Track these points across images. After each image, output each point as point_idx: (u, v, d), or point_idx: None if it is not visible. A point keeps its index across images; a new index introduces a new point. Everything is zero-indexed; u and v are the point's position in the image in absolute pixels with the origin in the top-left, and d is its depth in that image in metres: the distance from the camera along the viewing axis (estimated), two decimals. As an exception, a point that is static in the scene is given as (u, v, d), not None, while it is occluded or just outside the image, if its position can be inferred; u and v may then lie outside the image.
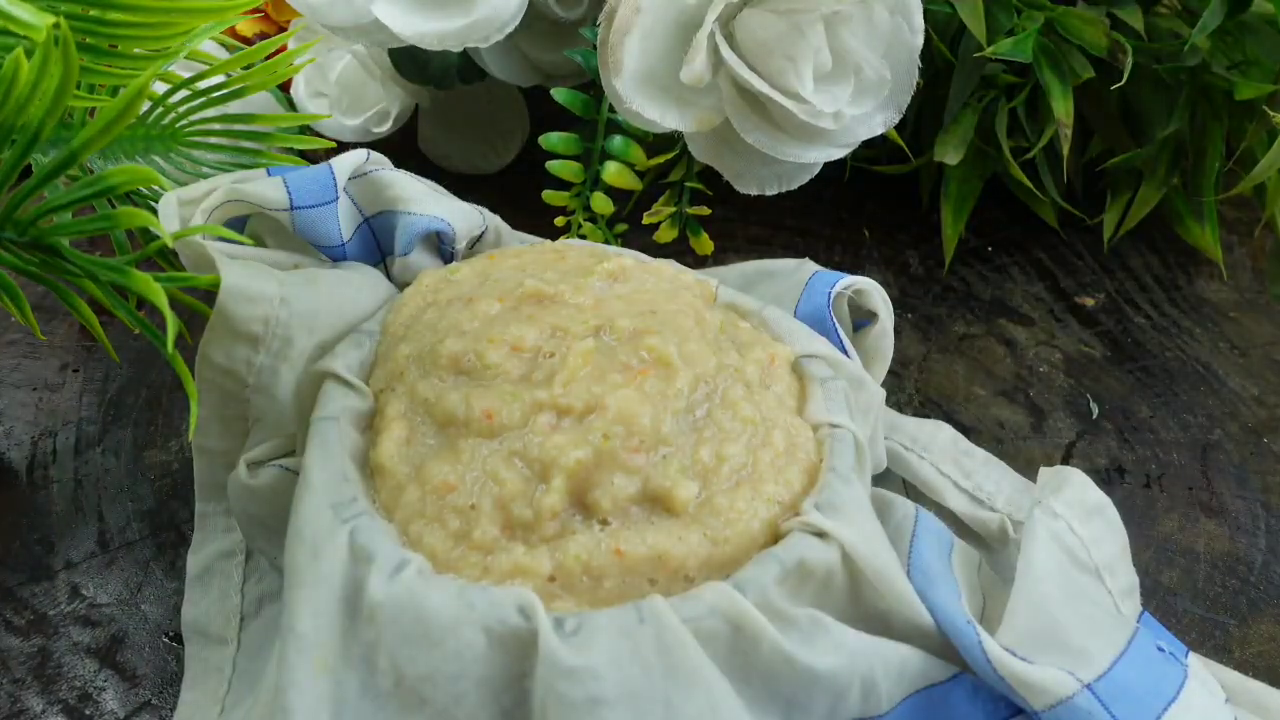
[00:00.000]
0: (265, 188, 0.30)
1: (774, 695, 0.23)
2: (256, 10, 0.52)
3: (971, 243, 0.49)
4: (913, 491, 0.34)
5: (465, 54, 0.46)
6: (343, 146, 0.40)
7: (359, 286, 0.30)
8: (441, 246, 0.33)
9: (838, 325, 0.32)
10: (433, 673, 0.21)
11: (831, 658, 0.23)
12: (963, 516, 0.32)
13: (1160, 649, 0.25)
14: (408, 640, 0.22)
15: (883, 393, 0.31)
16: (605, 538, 0.24)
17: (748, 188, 0.40)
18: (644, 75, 0.37)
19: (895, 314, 0.34)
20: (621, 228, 0.45)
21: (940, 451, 0.33)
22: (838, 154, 0.39)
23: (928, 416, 0.39)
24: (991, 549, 0.32)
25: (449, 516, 0.24)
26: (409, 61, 0.45)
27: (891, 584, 0.24)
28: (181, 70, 0.41)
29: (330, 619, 0.22)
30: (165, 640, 0.31)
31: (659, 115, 0.37)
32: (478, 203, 0.34)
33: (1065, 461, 0.38)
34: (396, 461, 0.25)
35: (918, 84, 0.39)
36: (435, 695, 0.21)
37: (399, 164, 0.33)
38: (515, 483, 0.24)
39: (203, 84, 0.35)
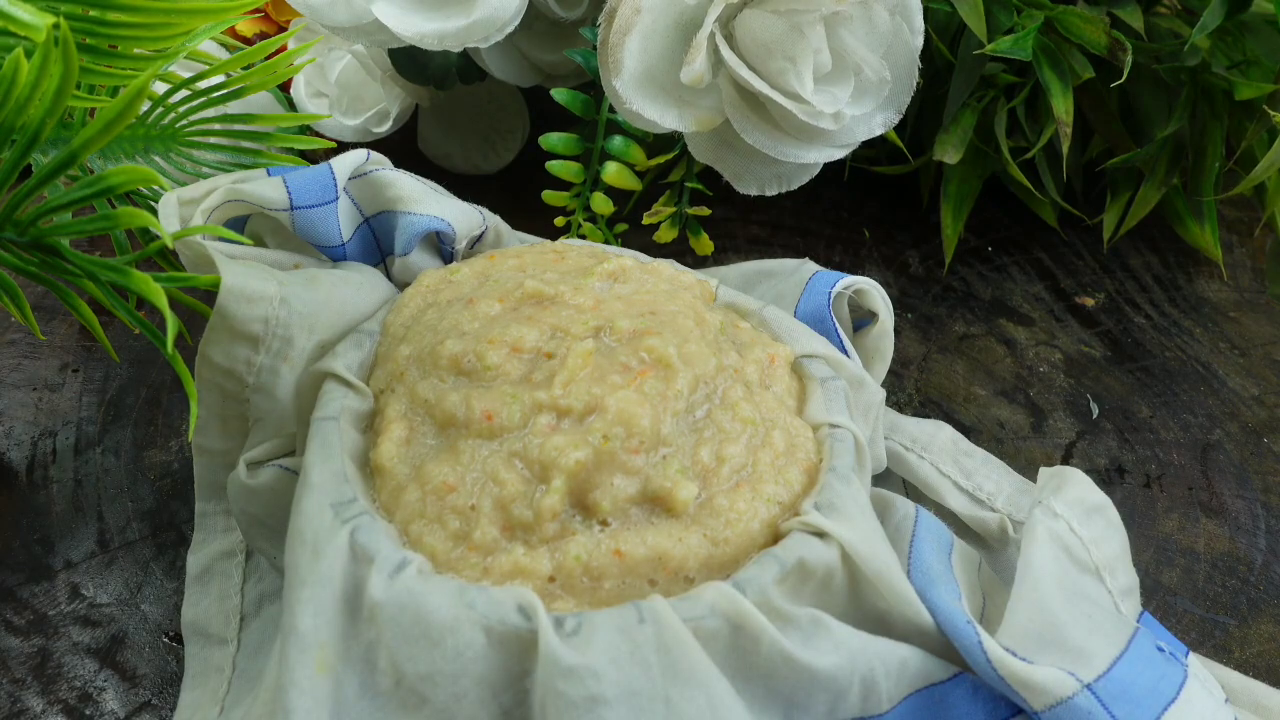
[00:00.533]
0: (265, 188, 0.30)
1: (774, 694, 0.23)
2: (256, 10, 0.52)
3: (971, 243, 0.49)
4: (913, 491, 0.34)
5: (465, 54, 0.46)
6: (343, 146, 0.41)
7: (359, 286, 0.31)
8: (441, 246, 0.33)
9: (838, 325, 0.32)
10: (433, 672, 0.21)
11: (831, 657, 0.23)
12: (963, 516, 0.32)
13: (1160, 649, 0.25)
14: (408, 640, 0.22)
15: (883, 392, 0.31)
16: (605, 538, 0.24)
17: (748, 188, 0.40)
18: (644, 75, 0.37)
19: (895, 314, 0.34)
20: (621, 228, 0.45)
21: (940, 451, 0.33)
22: (837, 154, 0.39)
23: (928, 416, 0.39)
24: (991, 549, 0.32)
25: (449, 517, 0.24)
26: (409, 61, 0.45)
27: (891, 584, 0.24)
28: (181, 70, 0.41)
29: (331, 619, 0.22)
30: (165, 640, 0.31)
31: (659, 116, 0.37)
32: (478, 203, 0.34)
33: (1065, 461, 0.38)
34: (396, 462, 0.25)
35: (918, 84, 0.39)
36: (435, 694, 0.21)
37: (399, 164, 0.33)
38: (515, 484, 0.24)
39: (203, 84, 0.35)
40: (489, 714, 0.22)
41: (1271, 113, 0.39)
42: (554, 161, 0.42)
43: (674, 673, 0.21)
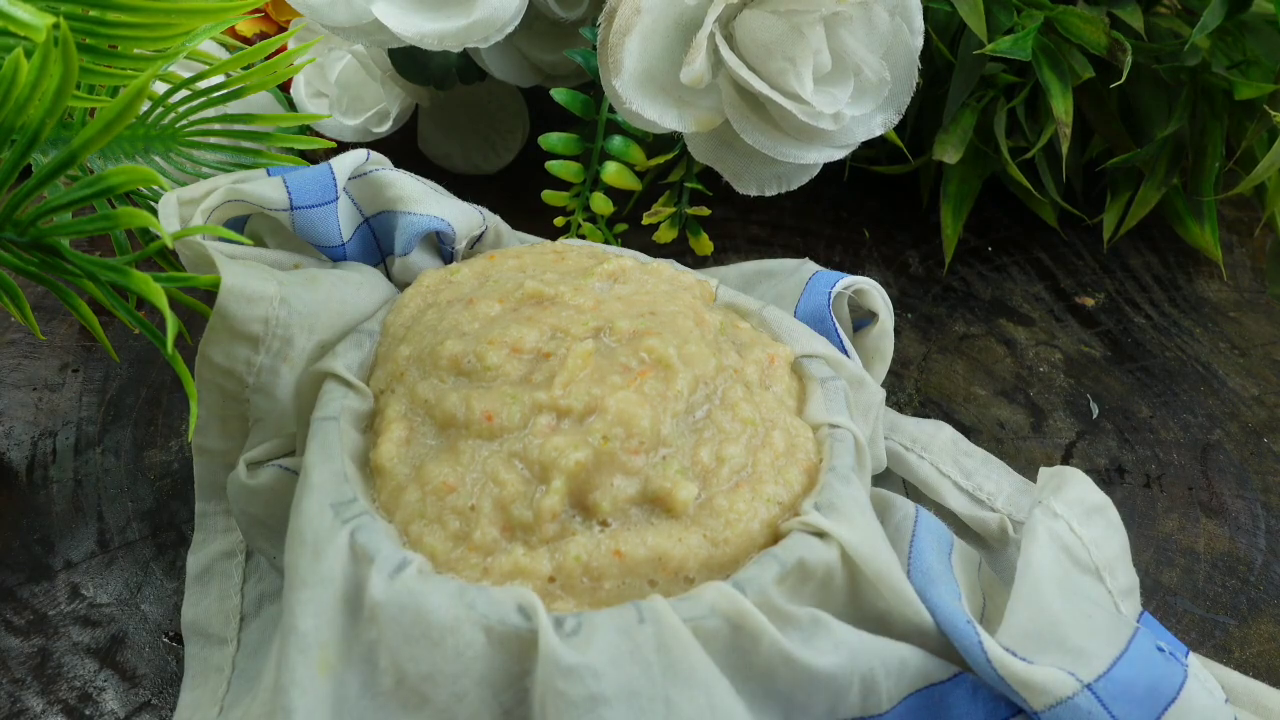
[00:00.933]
0: (265, 188, 0.30)
1: (773, 694, 0.23)
2: (256, 10, 0.52)
3: (971, 243, 0.49)
4: (913, 491, 0.34)
5: (465, 54, 0.46)
6: (343, 146, 0.41)
7: (359, 286, 0.31)
8: (441, 246, 0.33)
9: (838, 325, 0.32)
10: (433, 672, 0.21)
11: (831, 656, 0.23)
12: (963, 516, 0.32)
13: (1160, 649, 0.25)
14: (408, 640, 0.22)
15: (883, 392, 0.31)
16: (605, 539, 0.24)
17: (747, 188, 0.40)
18: (644, 76, 0.37)
19: (895, 314, 0.34)
20: (621, 228, 0.45)
21: (940, 451, 0.33)
22: (837, 155, 0.39)
23: (928, 416, 0.39)
24: (991, 549, 0.32)
25: (449, 517, 0.24)
26: (409, 61, 0.45)
27: (891, 584, 0.24)
28: (181, 70, 0.41)
29: (332, 619, 0.22)
30: (165, 640, 0.31)
31: (659, 116, 0.37)
32: (478, 203, 0.34)
33: (1065, 461, 0.38)
34: (396, 462, 0.25)
35: (917, 84, 0.39)
36: (436, 694, 0.21)
37: (399, 164, 0.33)
38: (515, 484, 0.24)
39: (203, 84, 0.35)
40: (490, 713, 0.22)
41: (1272, 112, 0.39)
42: (554, 161, 0.42)
43: (674, 673, 0.21)
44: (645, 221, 0.44)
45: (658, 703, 0.21)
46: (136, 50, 0.32)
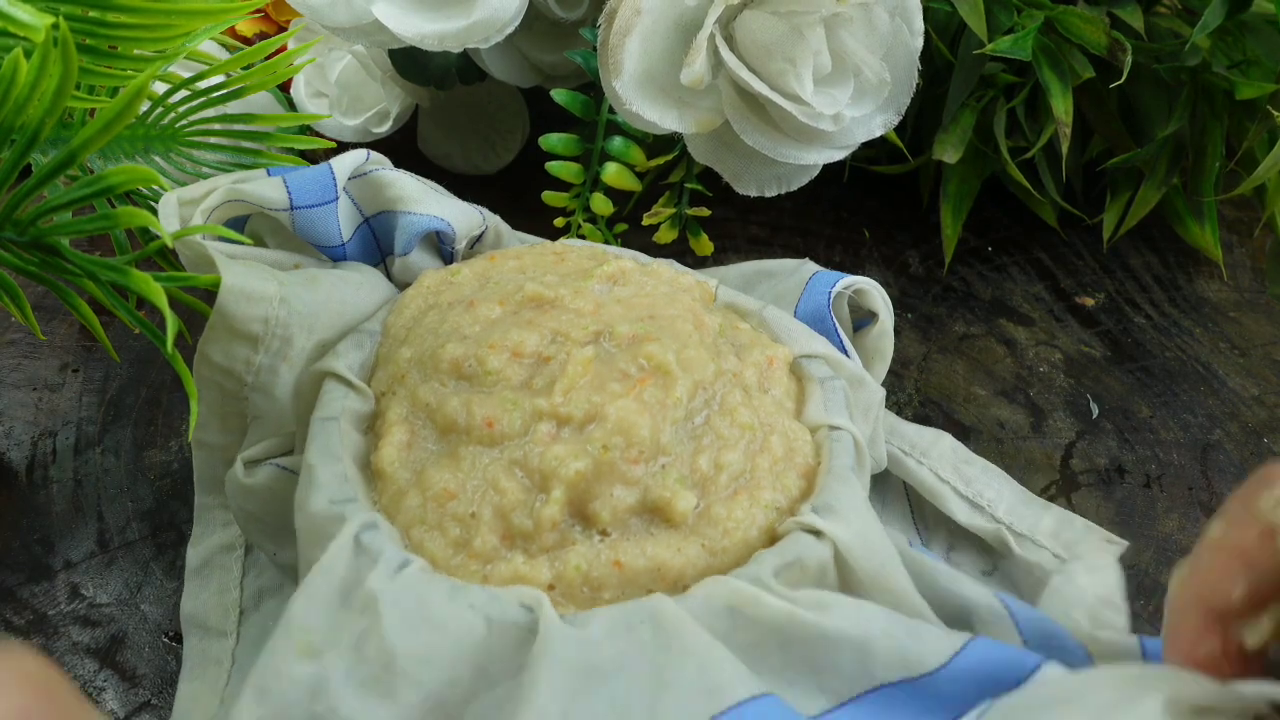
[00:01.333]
0: (265, 188, 0.30)
1: (794, 662, 0.23)
2: (256, 10, 0.52)
3: (971, 243, 0.49)
4: (914, 495, 0.34)
5: (465, 54, 0.46)
6: (343, 146, 0.40)
7: (359, 286, 0.31)
8: (441, 246, 0.33)
9: (838, 325, 0.32)
10: (431, 654, 0.21)
11: (836, 617, 0.23)
12: (964, 524, 0.32)
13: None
14: (409, 623, 0.22)
15: (883, 392, 0.31)
16: (604, 549, 0.24)
17: (747, 189, 0.40)
18: (644, 77, 0.37)
19: (895, 314, 0.34)
20: (621, 228, 0.45)
21: (940, 458, 0.33)
22: (837, 156, 0.39)
23: (928, 416, 0.39)
24: (995, 555, 0.32)
25: (449, 524, 0.24)
26: (409, 61, 0.45)
27: (885, 582, 0.24)
28: (181, 70, 0.41)
29: (322, 605, 0.22)
30: (165, 640, 0.31)
31: (659, 117, 0.37)
32: (478, 203, 0.34)
33: (1065, 462, 0.38)
34: (397, 466, 0.25)
35: (917, 84, 0.39)
36: (429, 676, 0.21)
37: (399, 164, 0.33)
38: (515, 492, 0.24)
39: (203, 84, 0.35)
40: (482, 704, 0.22)
41: (1273, 112, 0.39)
42: (554, 162, 0.42)
43: (668, 647, 0.21)
44: (645, 222, 0.44)
45: (647, 673, 0.21)
46: (136, 50, 0.32)
